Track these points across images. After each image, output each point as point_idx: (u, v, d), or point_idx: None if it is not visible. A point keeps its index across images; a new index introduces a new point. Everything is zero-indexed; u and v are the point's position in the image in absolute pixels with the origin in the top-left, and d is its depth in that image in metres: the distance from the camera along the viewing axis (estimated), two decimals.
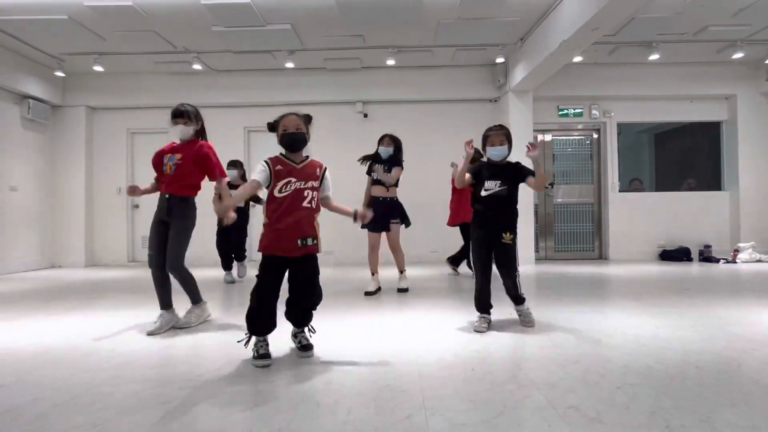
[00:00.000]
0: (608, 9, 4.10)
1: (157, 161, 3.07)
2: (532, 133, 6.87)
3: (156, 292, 3.05)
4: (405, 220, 4.38)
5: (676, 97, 7.20)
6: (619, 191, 7.33)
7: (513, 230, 2.93)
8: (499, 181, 2.91)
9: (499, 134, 2.94)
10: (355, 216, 2.47)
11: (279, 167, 2.35)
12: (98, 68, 6.49)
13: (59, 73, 6.70)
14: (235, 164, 5.12)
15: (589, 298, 3.96)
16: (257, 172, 2.34)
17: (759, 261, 6.50)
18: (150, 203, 7.59)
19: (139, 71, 7.07)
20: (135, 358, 2.43)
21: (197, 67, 6.61)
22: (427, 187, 6.98)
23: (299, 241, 2.31)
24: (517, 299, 3.00)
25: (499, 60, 6.61)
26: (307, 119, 2.44)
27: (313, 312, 2.52)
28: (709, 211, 7.19)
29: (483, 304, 2.96)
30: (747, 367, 2.17)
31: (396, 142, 4.31)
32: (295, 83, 7.13)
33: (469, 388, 1.95)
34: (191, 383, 2.04)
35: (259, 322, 2.35)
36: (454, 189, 5.36)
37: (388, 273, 4.99)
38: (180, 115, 3.00)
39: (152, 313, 3.59)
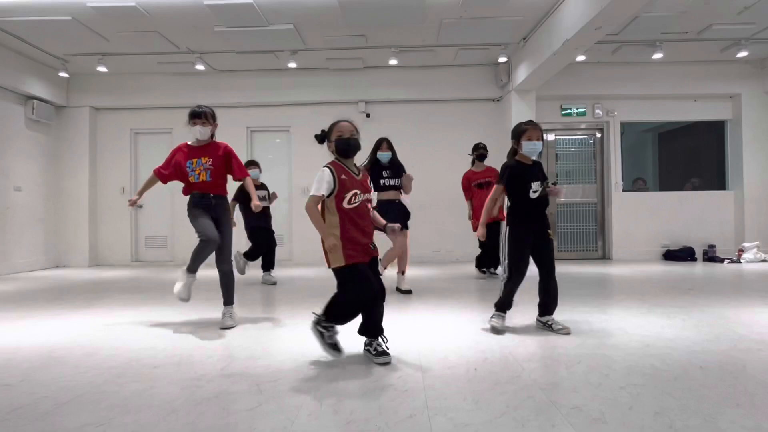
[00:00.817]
0: (611, 8, 4.08)
1: (181, 161, 3.08)
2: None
3: (197, 260, 3.07)
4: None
5: (680, 96, 7.16)
6: (623, 191, 7.30)
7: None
8: (540, 182, 2.84)
9: (537, 129, 2.84)
10: (385, 228, 2.48)
11: (344, 177, 2.29)
12: (102, 69, 6.51)
13: (63, 74, 6.74)
14: (256, 164, 5.10)
15: (593, 299, 3.95)
16: (323, 181, 2.23)
17: (764, 261, 6.46)
18: (154, 203, 7.61)
19: (143, 72, 7.09)
20: (138, 358, 2.43)
21: (200, 67, 6.62)
22: (430, 187, 6.97)
23: (372, 246, 2.36)
24: (555, 304, 2.88)
25: (502, 59, 6.59)
26: (357, 130, 2.41)
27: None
28: (714, 211, 7.15)
29: (510, 304, 2.92)
30: (752, 367, 2.16)
31: (392, 147, 4.31)
32: (298, 83, 7.14)
33: (472, 388, 1.94)
34: (194, 382, 2.05)
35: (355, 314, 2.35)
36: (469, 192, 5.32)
37: (386, 274, 4.98)
38: (198, 116, 3.06)
39: (155, 312, 3.61)
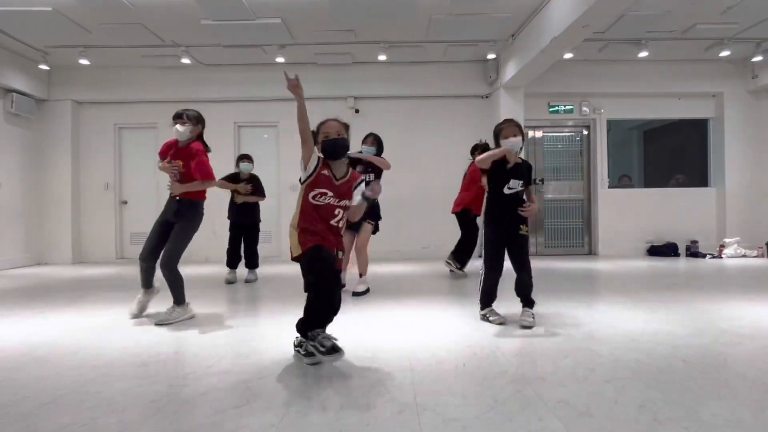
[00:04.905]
0: (598, 6, 4.11)
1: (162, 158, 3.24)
2: (524, 129, 6.90)
3: (140, 276, 3.25)
4: (377, 224, 4.19)
5: (665, 94, 7.27)
6: (609, 187, 7.39)
7: (527, 224, 2.97)
8: (521, 181, 2.92)
9: (511, 125, 2.91)
10: (365, 198, 2.33)
11: (324, 172, 2.23)
12: (84, 62, 6.37)
13: (44, 67, 6.56)
14: (249, 158, 5.07)
15: (579, 294, 4.00)
16: (312, 157, 2.20)
17: (744, 256, 6.61)
18: (139, 200, 7.50)
19: (127, 65, 6.95)
20: (123, 356, 2.40)
21: (186, 61, 6.51)
22: (418, 183, 6.99)
23: (338, 253, 2.26)
24: (528, 301, 2.93)
25: (491, 56, 6.61)
26: (346, 127, 2.31)
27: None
28: (696, 208, 7.29)
29: (493, 298, 3.03)
30: (733, 360, 2.21)
31: (379, 141, 4.21)
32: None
33: (460, 383, 1.95)
34: (180, 381, 2.02)
35: (329, 312, 2.22)
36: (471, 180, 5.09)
37: (374, 270, 4.97)
38: (179, 116, 3.14)
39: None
